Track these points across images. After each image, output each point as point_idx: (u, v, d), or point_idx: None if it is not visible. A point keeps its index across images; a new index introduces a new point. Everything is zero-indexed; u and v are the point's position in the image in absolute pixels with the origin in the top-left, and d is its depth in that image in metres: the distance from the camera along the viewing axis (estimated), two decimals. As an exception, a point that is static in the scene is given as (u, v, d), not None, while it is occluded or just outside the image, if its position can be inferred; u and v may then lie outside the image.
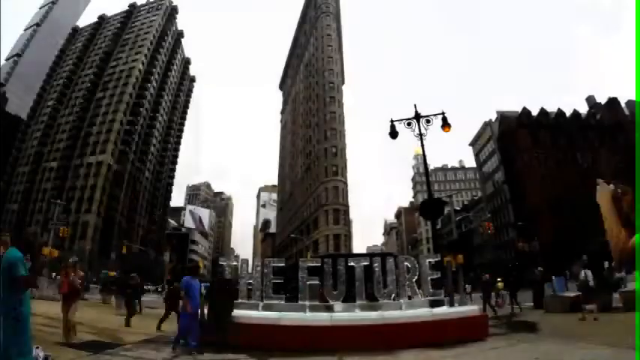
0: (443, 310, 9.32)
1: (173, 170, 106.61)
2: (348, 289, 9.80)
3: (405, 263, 10.08)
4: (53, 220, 48.07)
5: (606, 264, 15.55)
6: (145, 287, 11.84)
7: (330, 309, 9.31)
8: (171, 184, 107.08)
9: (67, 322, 8.37)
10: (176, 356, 7.90)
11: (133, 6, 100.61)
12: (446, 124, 14.01)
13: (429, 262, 10.29)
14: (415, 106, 14.29)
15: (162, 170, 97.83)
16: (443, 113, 14.14)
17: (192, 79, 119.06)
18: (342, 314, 9.01)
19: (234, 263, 11.57)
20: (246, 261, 11.18)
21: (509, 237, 65.57)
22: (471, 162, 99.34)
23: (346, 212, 61.97)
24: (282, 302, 9.55)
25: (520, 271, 36.57)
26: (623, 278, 13.49)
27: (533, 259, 45.96)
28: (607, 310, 11.99)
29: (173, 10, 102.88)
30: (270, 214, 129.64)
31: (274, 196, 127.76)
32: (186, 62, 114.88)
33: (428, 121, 14.06)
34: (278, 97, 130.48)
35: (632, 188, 14.08)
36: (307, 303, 9.32)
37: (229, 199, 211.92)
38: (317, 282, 9.76)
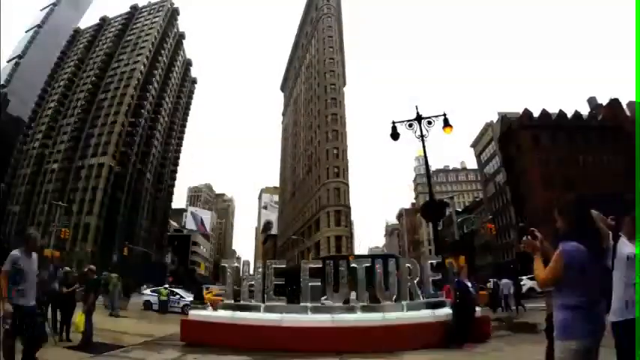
0: (445, 312, 9.30)
1: (174, 172, 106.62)
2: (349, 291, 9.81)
3: (407, 265, 10.08)
4: (55, 221, 48.24)
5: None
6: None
7: (331, 310, 9.29)
8: (173, 186, 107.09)
9: None
10: (177, 357, 7.89)
11: (134, 8, 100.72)
12: (447, 125, 13.98)
13: (431, 263, 10.29)
14: (417, 107, 14.28)
15: (163, 172, 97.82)
16: (444, 114, 14.11)
17: (194, 81, 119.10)
18: (344, 316, 8.99)
19: (236, 265, 11.59)
20: (247, 262, 11.21)
21: (511, 239, 65.46)
22: (472, 163, 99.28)
23: (347, 213, 61.93)
24: (284, 304, 9.55)
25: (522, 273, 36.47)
26: None
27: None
28: (608, 310, 11.93)
29: (174, 12, 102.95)
30: (272, 215, 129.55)
31: (276, 197, 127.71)
32: (188, 64, 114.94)
33: (429, 123, 14.04)
34: (279, 98, 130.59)
35: None
36: (309, 304, 9.31)
37: (231, 200, 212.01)
38: (318, 283, 9.76)
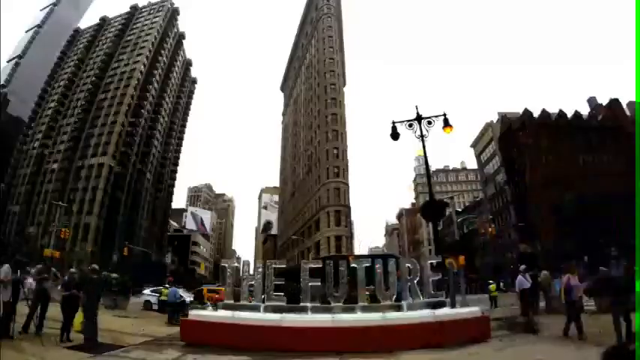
0: (444, 312, 9.30)
1: (174, 172, 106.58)
2: (349, 291, 9.81)
3: (407, 265, 10.08)
4: (55, 221, 48.25)
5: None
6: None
7: (331, 310, 9.29)
8: (173, 186, 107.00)
9: None
10: (177, 357, 7.89)
11: (134, 7, 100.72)
12: (447, 125, 13.99)
13: (431, 263, 10.30)
14: (417, 107, 14.27)
15: (163, 172, 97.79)
16: (444, 114, 14.12)
17: (194, 81, 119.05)
18: (344, 315, 8.99)
19: (236, 265, 11.60)
20: (247, 262, 11.21)
21: (511, 238, 65.50)
22: (472, 163, 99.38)
23: (347, 213, 61.94)
24: (284, 304, 9.55)
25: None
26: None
27: (534, 260, 45.98)
28: (609, 310, 11.94)
29: (174, 12, 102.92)
30: (272, 215, 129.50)
31: (276, 197, 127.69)
32: (188, 64, 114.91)
33: (429, 123, 14.04)
34: (279, 98, 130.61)
35: None
36: (309, 304, 9.31)
37: (231, 200, 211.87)
38: (318, 283, 9.77)
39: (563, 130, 64.14)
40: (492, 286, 23.33)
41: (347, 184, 63.15)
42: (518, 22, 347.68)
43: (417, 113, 14.15)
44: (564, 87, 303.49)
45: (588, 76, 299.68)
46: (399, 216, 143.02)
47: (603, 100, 70.41)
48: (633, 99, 64.54)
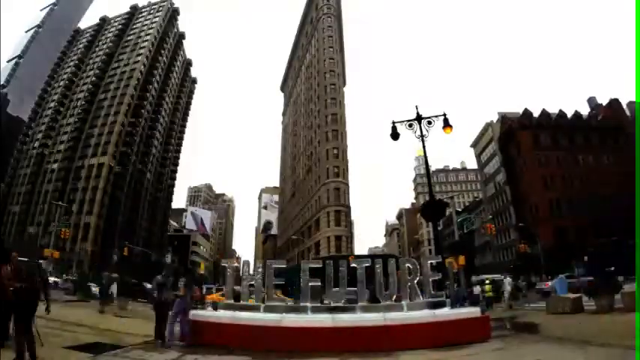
0: (445, 312, 9.30)
1: (174, 172, 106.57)
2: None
3: (407, 265, 10.08)
4: (55, 221, 48.34)
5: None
6: None
7: (331, 310, 9.29)
8: (173, 186, 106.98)
9: None
10: (177, 357, 7.89)
11: (134, 8, 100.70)
12: (447, 126, 14.00)
13: (431, 263, 10.30)
14: (417, 107, 14.28)
15: (163, 172, 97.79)
16: (444, 114, 14.13)
17: (194, 81, 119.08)
18: (344, 315, 8.99)
19: (236, 265, 11.60)
20: (247, 263, 11.21)
21: (511, 238, 65.49)
22: (472, 163, 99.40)
23: (347, 213, 61.94)
24: (284, 304, 9.56)
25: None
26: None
27: (534, 260, 46.00)
28: (609, 310, 11.97)
29: (174, 12, 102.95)
30: (272, 215, 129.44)
31: (276, 197, 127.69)
32: (188, 64, 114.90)
33: (429, 123, 14.05)
34: (279, 98, 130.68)
35: None
36: (309, 304, 9.31)
37: (231, 200, 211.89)
38: (318, 283, 9.77)
39: (563, 130, 64.12)
40: (487, 287, 22.35)
41: (347, 184, 63.14)
42: (519, 22, 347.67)
43: (417, 113, 14.16)
44: (564, 87, 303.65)
45: (588, 76, 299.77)
46: (399, 216, 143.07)
47: (603, 100, 70.49)
48: (633, 99, 64.59)
